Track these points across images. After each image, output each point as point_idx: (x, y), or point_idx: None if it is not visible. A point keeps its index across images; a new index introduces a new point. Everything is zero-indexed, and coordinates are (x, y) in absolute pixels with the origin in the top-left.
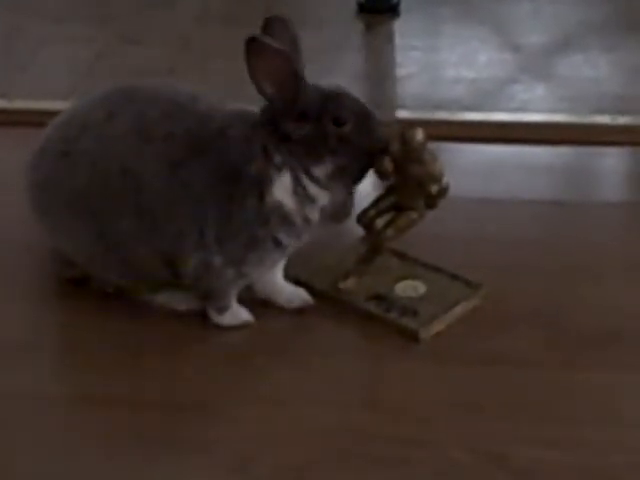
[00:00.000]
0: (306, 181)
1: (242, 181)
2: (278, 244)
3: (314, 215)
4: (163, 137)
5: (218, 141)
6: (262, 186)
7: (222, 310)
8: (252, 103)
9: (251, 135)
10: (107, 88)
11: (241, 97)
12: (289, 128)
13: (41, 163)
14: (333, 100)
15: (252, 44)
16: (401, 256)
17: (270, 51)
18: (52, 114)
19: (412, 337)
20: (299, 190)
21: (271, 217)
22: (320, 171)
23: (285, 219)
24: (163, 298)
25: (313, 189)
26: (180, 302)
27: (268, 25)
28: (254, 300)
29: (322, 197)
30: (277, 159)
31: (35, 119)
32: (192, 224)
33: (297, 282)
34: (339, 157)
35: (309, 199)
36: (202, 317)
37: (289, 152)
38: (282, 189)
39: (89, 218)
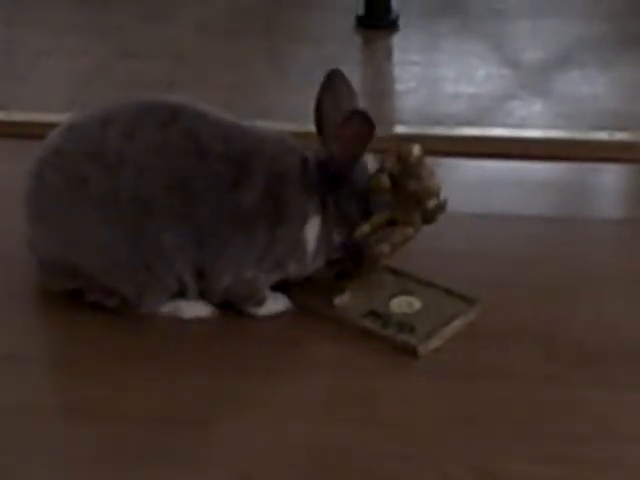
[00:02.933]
0: (326, 237)
1: (290, 209)
2: (284, 269)
3: (310, 267)
4: (218, 156)
5: (272, 165)
6: (303, 220)
7: (260, 303)
8: (250, 117)
9: (303, 171)
10: (143, 98)
11: (240, 110)
12: (336, 190)
13: (55, 165)
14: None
15: (361, 115)
16: (394, 272)
17: (369, 125)
18: (51, 126)
19: (410, 353)
20: (318, 239)
21: (298, 249)
22: (338, 237)
23: (301, 257)
24: (169, 307)
25: (321, 247)
26: (186, 310)
27: (330, 78)
28: (244, 315)
29: (321, 259)
30: (315, 202)
31: (34, 131)
32: (240, 241)
33: (292, 299)
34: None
35: (319, 253)
36: (200, 331)
37: (324, 204)
38: (311, 230)
39: (121, 227)
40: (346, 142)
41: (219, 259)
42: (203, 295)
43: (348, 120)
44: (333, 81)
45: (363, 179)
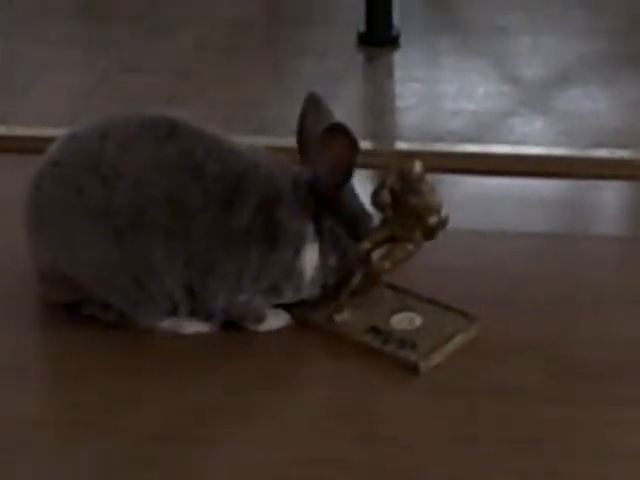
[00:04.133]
0: (323, 263)
1: (284, 232)
2: (280, 295)
3: (306, 293)
4: (213, 176)
5: (266, 187)
6: (298, 244)
7: (260, 320)
8: (250, 132)
9: (298, 193)
10: (144, 113)
11: (241, 126)
12: (330, 212)
13: (53, 176)
14: (365, 220)
15: (337, 130)
16: (394, 288)
17: (351, 141)
18: (52, 141)
19: (412, 369)
20: (317, 270)
21: (294, 275)
22: (332, 261)
23: (298, 284)
24: (168, 323)
25: (318, 277)
26: (186, 326)
27: (309, 102)
28: (244, 330)
29: (317, 285)
30: (310, 229)
31: (35, 146)
32: (232, 263)
33: (292, 314)
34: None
35: (316, 281)
36: (200, 346)
37: (321, 232)
38: (309, 260)
39: (115, 240)
40: (331, 163)
41: (211, 280)
42: (195, 314)
43: (328, 137)
44: (314, 103)
45: (354, 200)
